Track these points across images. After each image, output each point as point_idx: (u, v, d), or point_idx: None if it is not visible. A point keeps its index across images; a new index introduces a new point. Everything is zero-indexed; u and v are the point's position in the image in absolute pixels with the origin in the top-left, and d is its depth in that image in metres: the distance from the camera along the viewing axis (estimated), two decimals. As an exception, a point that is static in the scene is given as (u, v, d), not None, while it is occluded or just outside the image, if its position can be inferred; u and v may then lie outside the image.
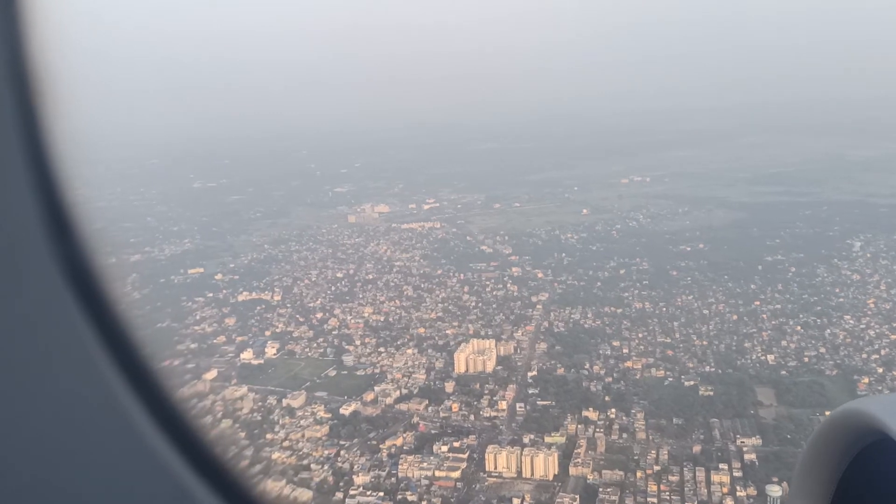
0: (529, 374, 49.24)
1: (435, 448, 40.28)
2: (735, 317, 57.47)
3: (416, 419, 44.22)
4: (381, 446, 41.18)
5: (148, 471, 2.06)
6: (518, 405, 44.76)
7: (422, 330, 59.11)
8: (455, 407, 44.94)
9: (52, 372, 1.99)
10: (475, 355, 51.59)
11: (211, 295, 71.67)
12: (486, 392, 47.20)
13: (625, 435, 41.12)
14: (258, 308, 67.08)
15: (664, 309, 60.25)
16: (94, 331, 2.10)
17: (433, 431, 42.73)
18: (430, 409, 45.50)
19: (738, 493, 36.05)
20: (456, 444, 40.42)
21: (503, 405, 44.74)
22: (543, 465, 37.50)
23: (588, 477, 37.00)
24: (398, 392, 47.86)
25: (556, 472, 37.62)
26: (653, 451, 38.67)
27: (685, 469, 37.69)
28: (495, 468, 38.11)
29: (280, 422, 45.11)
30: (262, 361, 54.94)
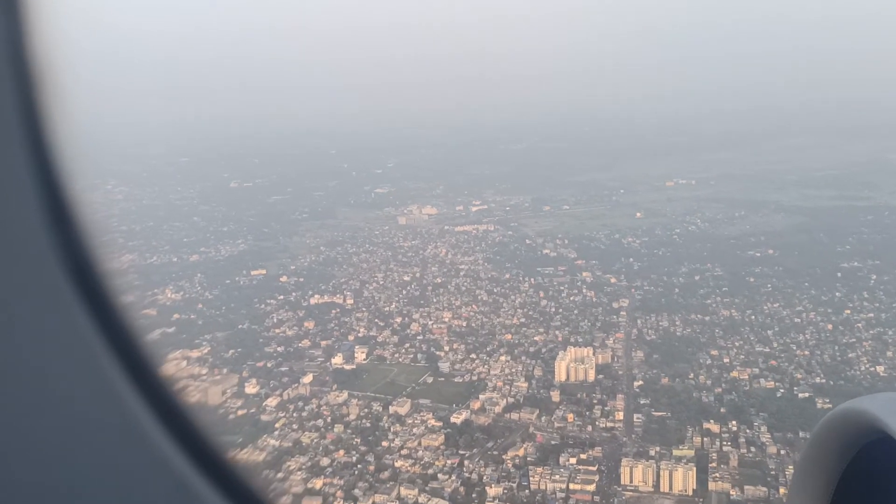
0: (635, 384, 48.55)
1: (561, 460, 39.71)
2: (830, 326, 56.65)
3: (531, 429, 43.62)
4: (503, 457, 40.64)
5: (151, 468, 2.06)
6: (635, 416, 44.08)
7: (508, 336, 58.54)
8: (570, 417, 44.34)
9: (53, 370, 2.00)
10: (575, 364, 50.98)
11: (282, 297, 71.29)
12: (595, 402, 46.60)
13: (753, 448, 40.44)
14: (333, 311, 66.62)
15: (753, 317, 59.46)
16: (96, 328, 2.09)
17: (553, 442, 42.11)
18: (542, 418, 44.91)
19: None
20: (582, 456, 39.83)
21: (620, 416, 44.12)
22: (682, 479, 36.89)
23: (731, 493, 36.39)
24: (504, 401, 47.29)
25: (695, 487, 37.01)
26: (789, 466, 37.98)
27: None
28: (630, 481, 37.52)
29: (391, 429, 44.61)
30: (353, 367, 54.48)
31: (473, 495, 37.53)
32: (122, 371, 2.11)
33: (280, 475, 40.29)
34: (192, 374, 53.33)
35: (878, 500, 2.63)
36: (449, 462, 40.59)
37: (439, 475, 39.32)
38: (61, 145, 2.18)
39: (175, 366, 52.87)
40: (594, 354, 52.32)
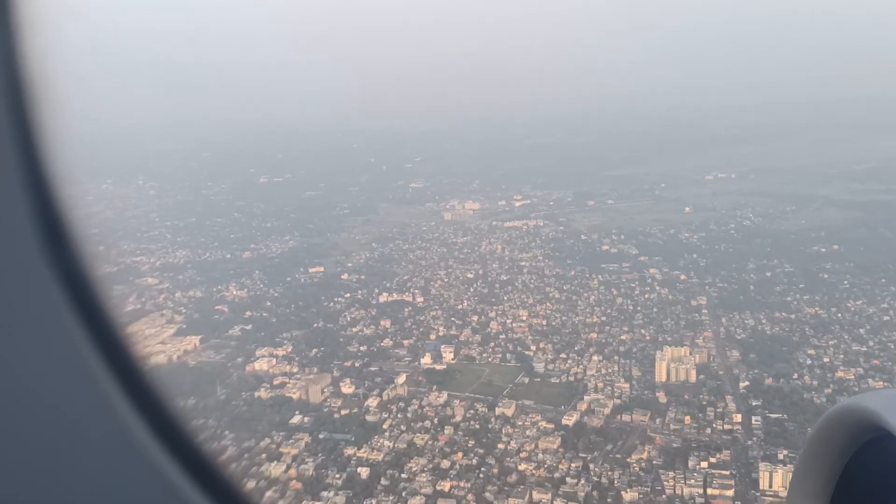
0: (741, 385, 47.93)
1: (690, 464, 39.14)
2: (923, 324, 56.09)
3: (648, 432, 43.03)
4: (628, 460, 40.07)
5: (141, 473, 2.06)
6: (753, 419, 43.46)
7: (594, 335, 57.94)
8: (687, 419, 43.75)
9: (44, 377, 1.99)
10: (675, 364, 50.35)
11: (349, 295, 70.63)
12: (705, 403, 46.01)
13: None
14: (406, 310, 65.98)
15: (840, 315, 58.81)
16: (87, 334, 2.08)
17: (675, 445, 41.54)
18: (656, 420, 44.32)
19: None
20: (712, 460, 39.24)
21: (737, 418, 43.51)
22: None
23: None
24: (611, 402, 46.68)
25: (837, 491, 36.35)
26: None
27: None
28: (770, 486, 36.92)
29: (503, 431, 44.02)
30: (444, 367, 53.85)
31: (609, 500, 36.91)
32: (111, 375, 2.08)
33: (404, 476, 39.76)
34: (285, 372, 52.86)
35: (878, 496, 2.62)
36: (573, 465, 39.97)
37: (567, 479, 38.71)
38: (53, 148, 2.16)
39: (262, 363, 51.85)
40: (691, 354, 51.62)
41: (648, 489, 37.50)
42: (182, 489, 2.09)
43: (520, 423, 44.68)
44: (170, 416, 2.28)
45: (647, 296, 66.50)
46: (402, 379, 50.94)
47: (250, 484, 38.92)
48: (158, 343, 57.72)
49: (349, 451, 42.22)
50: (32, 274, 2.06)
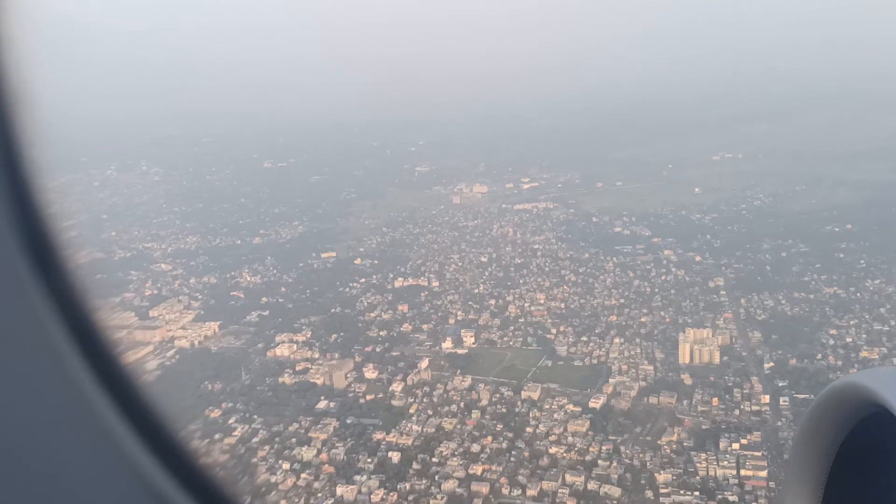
0: (765, 365, 47.98)
1: (722, 445, 39.22)
2: (943, 302, 56.12)
3: (676, 414, 43.09)
4: (658, 442, 40.14)
5: (124, 477, 2.04)
6: (781, 400, 43.54)
7: (614, 318, 57.90)
8: (715, 401, 43.80)
9: (24, 378, 1.97)
10: (697, 346, 50.35)
11: (364, 280, 70.46)
12: (730, 385, 46.07)
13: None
14: (422, 294, 65.86)
15: (859, 295, 58.81)
16: (66, 334, 2.06)
17: (704, 427, 41.63)
18: (683, 402, 44.38)
19: None
20: (743, 441, 39.31)
21: (765, 399, 43.59)
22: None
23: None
24: (636, 384, 46.70)
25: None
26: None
27: None
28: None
29: (530, 414, 44.05)
30: (465, 351, 53.83)
31: (642, 481, 37.00)
32: (88, 369, 2.04)
33: (435, 460, 39.81)
34: (306, 357, 52.80)
35: (875, 473, 2.68)
36: (603, 448, 40.04)
37: (598, 461, 38.79)
38: (29, 142, 2.12)
39: (283, 349, 51.72)
40: (714, 336, 51.62)
41: (681, 471, 37.55)
42: (164, 489, 2.07)
43: (547, 407, 44.72)
44: (153, 419, 2.25)
45: (663, 277, 66.45)
46: (424, 363, 50.90)
47: (285, 467, 39.07)
48: (179, 328, 57.60)
49: (378, 435, 42.24)
50: (9, 270, 2.02)
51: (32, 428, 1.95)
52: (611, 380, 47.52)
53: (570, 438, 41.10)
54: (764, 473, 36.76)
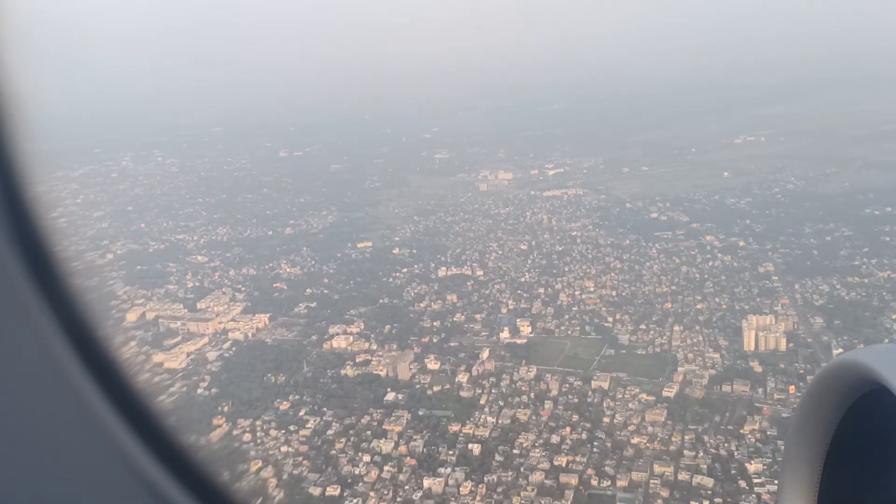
0: (834, 351, 47.59)
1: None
2: None
3: (754, 402, 42.73)
4: (741, 431, 39.81)
5: (122, 473, 2.01)
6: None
7: (669, 305, 57.44)
8: (792, 389, 43.45)
9: (19, 377, 1.94)
10: (762, 332, 49.95)
11: (406, 270, 69.87)
12: (802, 371, 45.71)
13: None
14: (468, 283, 65.31)
15: (915, 278, 58.46)
16: (61, 332, 2.04)
17: (784, 415, 41.25)
18: (758, 390, 44.01)
19: None
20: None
21: (843, 385, 43.14)
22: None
23: None
24: (707, 373, 46.31)
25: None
26: None
27: None
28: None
29: (604, 404, 43.66)
30: (524, 341, 53.36)
31: (732, 472, 36.67)
32: (85, 371, 2.02)
33: (516, 452, 39.44)
34: (364, 349, 52.31)
35: (873, 450, 2.66)
36: (686, 438, 39.69)
37: (684, 451, 38.45)
38: (21, 143, 2.10)
39: (339, 341, 51.14)
40: (777, 322, 51.22)
41: (770, 460, 37.22)
42: (162, 486, 2.02)
43: (619, 396, 44.31)
44: (153, 419, 2.21)
45: (710, 263, 65.94)
46: (485, 354, 50.46)
47: (366, 459, 38.65)
48: (230, 320, 57.04)
49: (453, 427, 41.81)
50: (8, 278, 1.98)
51: (32, 428, 1.91)
52: (679, 368, 47.11)
53: (649, 428, 40.73)
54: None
